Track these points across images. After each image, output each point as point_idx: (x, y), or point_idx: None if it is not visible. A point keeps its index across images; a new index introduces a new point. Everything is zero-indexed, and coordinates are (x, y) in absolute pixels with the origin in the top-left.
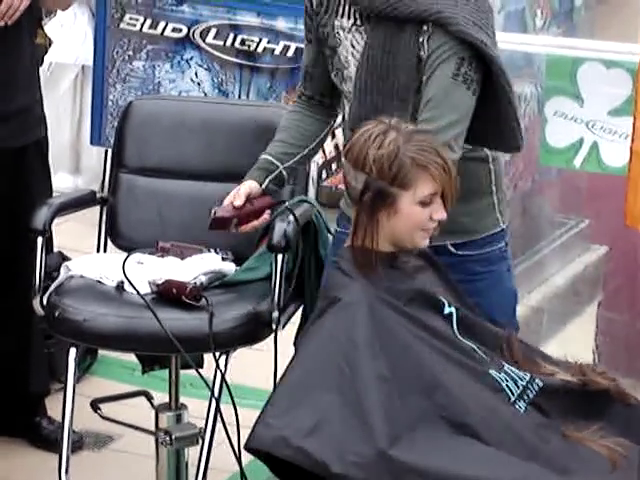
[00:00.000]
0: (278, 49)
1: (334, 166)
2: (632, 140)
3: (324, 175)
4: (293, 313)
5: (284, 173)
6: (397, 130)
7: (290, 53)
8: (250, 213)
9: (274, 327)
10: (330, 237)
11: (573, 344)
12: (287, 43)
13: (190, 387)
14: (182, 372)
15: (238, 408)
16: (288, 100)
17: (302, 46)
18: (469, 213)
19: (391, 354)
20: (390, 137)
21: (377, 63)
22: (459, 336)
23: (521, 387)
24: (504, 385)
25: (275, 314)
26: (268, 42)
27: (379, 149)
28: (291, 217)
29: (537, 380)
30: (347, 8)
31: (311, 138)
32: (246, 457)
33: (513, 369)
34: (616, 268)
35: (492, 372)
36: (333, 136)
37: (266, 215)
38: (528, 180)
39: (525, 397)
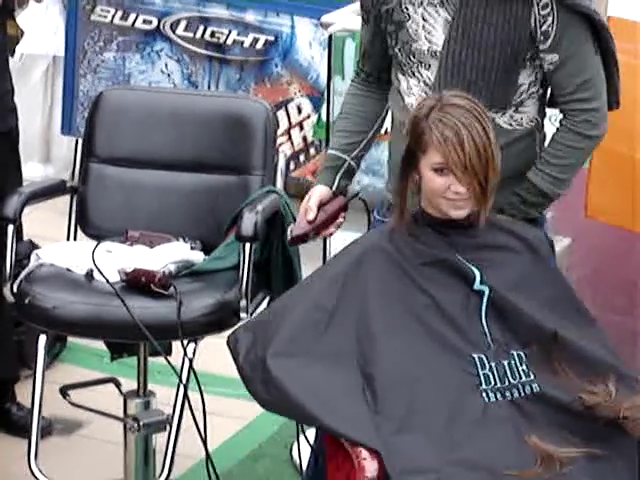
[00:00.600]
0: (247, 41)
1: (302, 157)
2: None
3: (292, 166)
4: (260, 302)
5: (353, 164)
6: (439, 99)
7: (259, 45)
8: (325, 221)
9: (242, 315)
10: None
11: None
12: (256, 35)
13: (158, 374)
14: (150, 359)
15: (205, 395)
16: (257, 92)
17: (271, 38)
18: (516, 193)
19: (347, 296)
20: (428, 102)
21: (474, 35)
22: (475, 315)
23: (507, 383)
24: (481, 372)
25: (243, 303)
26: (237, 34)
27: (416, 111)
28: (259, 207)
29: (535, 385)
30: None
31: (373, 120)
32: (213, 443)
33: (517, 365)
34: (579, 259)
35: (476, 356)
36: (301, 128)
37: (341, 218)
38: None
39: (505, 393)
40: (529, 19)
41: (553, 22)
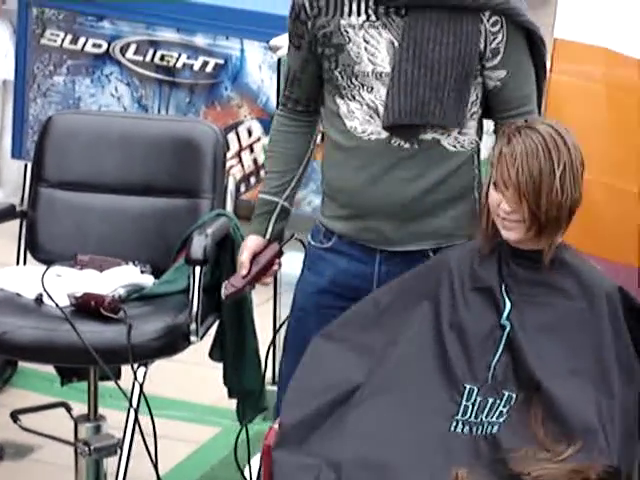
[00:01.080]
0: (197, 65)
1: (253, 180)
2: None
3: (243, 189)
4: (211, 325)
5: (286, 205)
6: (527, 123)
7: (209, 69)
8: (259, 272)
9: (192, 339)
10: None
11: None
12: (206, 59)
13: (109, 398)
14: (101, 384)
15: (156, 419)
16: (207, 115)
17: (221, 62)
18: (453, 217)
19: (387, 314)
20: (517, 124)
21: (426, 56)
22: (492, 347)
23: (479, 419)
24: (464, 402)
25: (193, 326)
26: (187, 58)
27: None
28: (209, 230)
29: (496, 427)
30: (355, 6)
31: (302, 156)
32: (164, 467)
33: (499, 405)
34: None
35: (468, 387)
36: (251, 150)
37: (276, 266)
38: None
39: (472, 428)
40: (479, 36)
41: (503, 38)
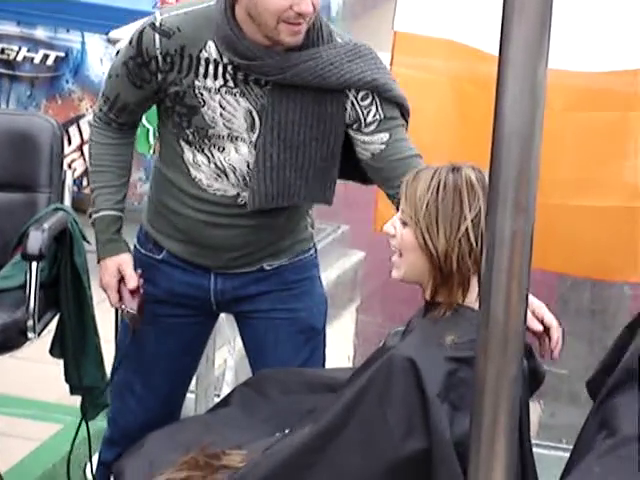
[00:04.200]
0: (38, 58)
1: None
2: None
3: (85, 182)
4: (49, 321)
5: (123, 217)
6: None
7: (50, 62)
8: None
9: (29, 335)
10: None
11: (332, 349)
12: (47, 52)
13: None
14: None
15: None
16: (48, 108)
17: (61, 55)
18: (290, 238)
19: None
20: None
21: (290, 138)
22: None
23: None
24: None
25: (30, 322)
26: (28, 51)
27: None
28: (46, 225)
29: None
30: (212, 69)
31: (129, 166)
32: (5, 465)
33: None
34: (371, 273)
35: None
36: None
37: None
38: None
39: None
40: (344, 114)
41: (377, 109)
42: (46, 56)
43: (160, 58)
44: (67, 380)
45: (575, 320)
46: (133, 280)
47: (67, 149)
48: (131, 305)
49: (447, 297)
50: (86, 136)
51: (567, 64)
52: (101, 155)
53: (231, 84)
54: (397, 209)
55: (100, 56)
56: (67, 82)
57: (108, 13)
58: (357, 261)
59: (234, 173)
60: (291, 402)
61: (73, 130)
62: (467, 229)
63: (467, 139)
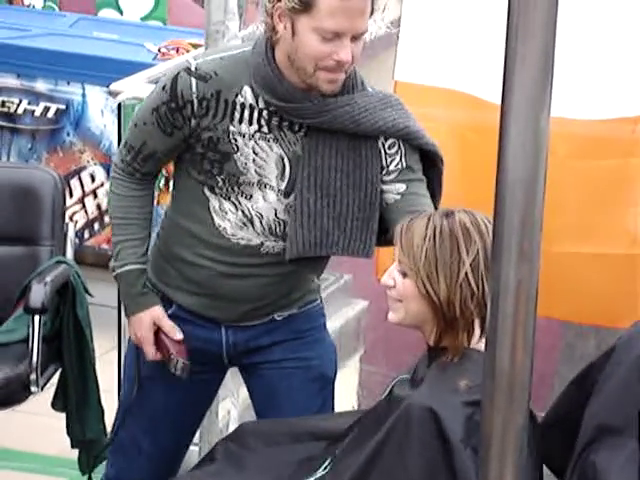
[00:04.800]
0: (38, 110)
1: (97, 226)
2: None
3: (87, 235)
4: (52, 375)
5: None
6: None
7: (50, 114)
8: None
9: (32, 389)
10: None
11: (336, 399)
12: (47, 104)
13: None
14: None
15: (0, 472)
16: (49, 161)
17: (62, 107)
18: (301, 289)
19: None
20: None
21: (327, 184)
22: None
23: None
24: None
25: (33, 376)
26: (28, 103)
27: None
28: (48, 278)
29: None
30: (247, 114)
31: (151, 212)
32: None
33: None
34: (374, 322)
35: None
36: (95, 196)
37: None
38: None
39: None
40: (379, 162)
41: (401, 159)
42: (47, 108)
43: (196, 102)
44: (69, 433)
45: (581, 366)
46: (178, 331)
47: (69, 201)
48: (182, 355)
49: (453, 342)
50: (88, 188)
51: (569, 112)
52: (124, 207)
53: (265, 130)
54: None
55: (101, 108)
56: (68, 134)
57: (108, 65)
58: (360, 310)
59: (260, 221)
60: (278, 453)
61: (74, 182)
62: (467, 274)
63: (469, 186)
